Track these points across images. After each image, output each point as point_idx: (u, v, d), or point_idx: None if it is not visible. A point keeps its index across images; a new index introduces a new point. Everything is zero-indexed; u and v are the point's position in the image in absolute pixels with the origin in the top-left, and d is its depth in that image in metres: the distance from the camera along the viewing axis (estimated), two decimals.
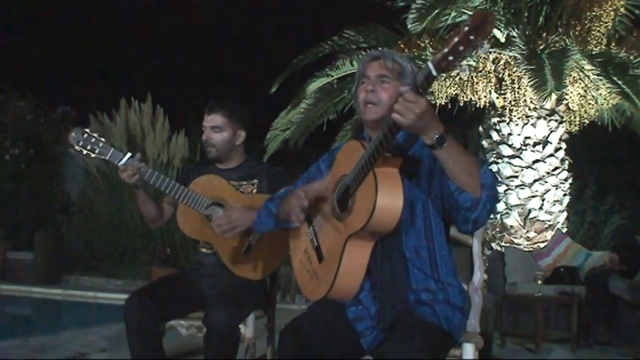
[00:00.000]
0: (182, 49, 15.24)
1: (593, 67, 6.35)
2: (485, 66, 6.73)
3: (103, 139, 2.91)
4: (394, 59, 2.18)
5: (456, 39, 1.74)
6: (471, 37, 1.72)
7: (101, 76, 14.78)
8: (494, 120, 7.19)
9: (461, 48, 1.73)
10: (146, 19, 15.44)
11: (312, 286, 2.21)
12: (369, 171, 2.00)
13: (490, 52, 6.71)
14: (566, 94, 6.70)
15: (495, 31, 6.81)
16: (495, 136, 7.19)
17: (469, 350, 2.23)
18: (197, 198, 2.95)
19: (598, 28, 6.62)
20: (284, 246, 3.04)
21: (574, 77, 6.59)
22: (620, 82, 6.18)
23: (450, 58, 1.74)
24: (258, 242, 2.97)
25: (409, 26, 6.53)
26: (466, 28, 1.73)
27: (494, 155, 7.14)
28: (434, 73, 1.78)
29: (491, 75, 6.79)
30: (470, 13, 6.69)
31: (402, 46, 6.99)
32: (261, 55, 14.44)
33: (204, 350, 2.72)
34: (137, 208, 10.32)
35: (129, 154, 2.90)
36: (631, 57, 6.45)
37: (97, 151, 2.88)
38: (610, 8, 6.60)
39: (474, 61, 6.75)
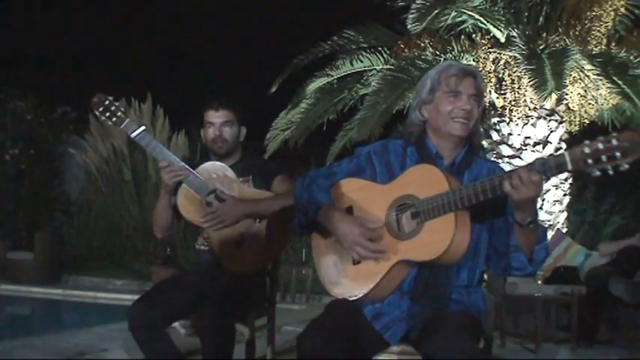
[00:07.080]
0: (182, 49, 15.23)
1: (593, 67, 6.34)
2: (486, 66, 6.71)
3: (122, 109, 2.99)
4: (481, 80, 2.28)
5: (601, 146, 1.73)
6: (617, 154, 1.71)
7: (101, 76, 14.77)
8: (494, 120, 7.18)
9: (603, 157, 1.72)
10: (146, 19, 15.43)
11: (337, 282, 2.25)
12: (449, 212, 2.02)
13: (490, 52, 6.70)
14: (566, 94, 6.68)
15: (495, 31, 6.80)
16: (495, 136, 7.18)
17: None
18: (201, 183, 2.96)
19: (598, 28, 6.61)
20: (278, 243, 3.05)
21: (574, 77, 6.58)
22: (620, 82, 6.17)
23: (589, 161, 1.74)
24: (252, 237, 2.97)
25: (409, 26, 6.51)
26: (614, 142, 1.71)
27: (494, 155, 7.13)
28: (569, 167, 1.79)
29: (491, 75, 6.77)
30: (470, 13, 6.65)
31: (402, 46, 6.98)
32: (262, 54, 14.43)
33: (201, 349, 2.73)
34: (137, 209, 10.13)
35: (143, 127, 2.98)
36: (631, 57, 6.44)
37: (113, 119, 2.96)
38: (610, 8, 6.59)
39: (474, 61, 6.74)
